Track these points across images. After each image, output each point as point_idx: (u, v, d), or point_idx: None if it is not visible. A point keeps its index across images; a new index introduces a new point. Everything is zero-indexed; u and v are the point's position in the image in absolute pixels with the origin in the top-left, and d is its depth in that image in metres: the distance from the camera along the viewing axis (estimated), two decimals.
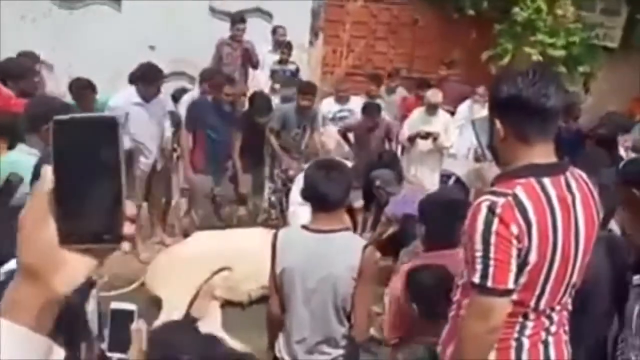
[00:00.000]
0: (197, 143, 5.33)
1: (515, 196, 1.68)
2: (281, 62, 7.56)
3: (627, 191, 2.83)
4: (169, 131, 5.48)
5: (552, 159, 1.78)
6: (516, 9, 7.67)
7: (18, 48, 6.66)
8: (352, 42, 8.96)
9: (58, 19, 7.45)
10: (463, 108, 6.71)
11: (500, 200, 1.67)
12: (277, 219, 5.75)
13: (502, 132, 1.75)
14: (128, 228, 0.75)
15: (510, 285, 1.69)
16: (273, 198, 5.86)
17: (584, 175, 1.84)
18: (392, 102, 7.37)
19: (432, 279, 2.28)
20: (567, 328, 1.89)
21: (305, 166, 5.54)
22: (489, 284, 1.68)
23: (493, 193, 1.72)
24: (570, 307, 1.92)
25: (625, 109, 8.14)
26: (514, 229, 1.66)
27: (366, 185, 5.03)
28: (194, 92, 6.30)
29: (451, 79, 7.81)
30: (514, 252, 1.67)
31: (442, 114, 6.38)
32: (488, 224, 1.66)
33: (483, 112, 6.25)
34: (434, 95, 6.32)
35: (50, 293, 0.73)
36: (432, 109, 6.26)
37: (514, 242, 1.66)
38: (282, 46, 7.56)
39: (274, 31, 7.77)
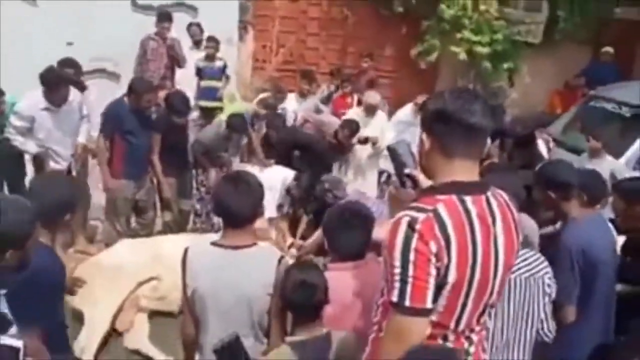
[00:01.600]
0: (116, 148, 5.08)
1: (435, 212, 1.65)
2: (207, 57, 7.38)
3: (544, 193, 2.93)
4: (83, 136, 5.21)
5: (475, 177, 1.77)
6: (443, 6, 7.79)
7: None
8: (282, 38, 8.87)
9: None
10: (405, 112, 6.70)
11: (421, 216, 1.65)
12: (204, 225, 5.63)
13: (427, 145, 1.76)
14: None
15: (428, 305, 1.66)
16: (198, 206, 5.72)
17: (505, 196, 1.84)
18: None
19: (301, 291, 2.22)
20: (485, 346, 1.89)
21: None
22: (407, 302, 1.64)
23: (414, 209, 1.69)
24: (488, 325, 1.92)
25: (547, 103, 8.48)
26: (433, 247, 1.63)
27: (312, 190, 4.99)
28: None
29: (371, 70, 7.90)
30: (433, 271, 1.64)
31: (379, 115, 6.35)
32: (407, 241, 1.63)
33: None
34: (372, 97, 6.28)
35: None
36: (370, 110, 6.23)
37: (433, 259, 1.63)
38: (209, 41, 7.37)
39: (189, 28, 7.58)
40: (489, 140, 1.80)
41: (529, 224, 2.69)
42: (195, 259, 2.36)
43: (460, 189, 1.71)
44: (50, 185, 2.59)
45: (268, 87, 7.49)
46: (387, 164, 6.15)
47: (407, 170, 2.00)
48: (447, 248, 1.64)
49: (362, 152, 6.24)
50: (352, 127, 5.96)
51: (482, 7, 7.74)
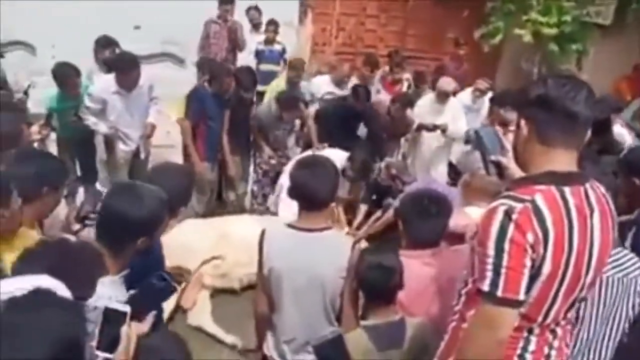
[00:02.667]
0: (198, 132, 5.23)
1: (534, 203, 1.61)
2: (267, 41, 7.39)
3: (628, 180, 2.82)
4: (152, 117, 5.35)
5: (574, 168, 1.71)
6: None
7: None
8: (342, 20, 8.82)
9: None
10: (465, 96, 6.52)
11: (518, 206, 1.60)
12: (260, 207, 5.68)
13: (525, 132, 1.71)
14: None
15: (521, 297, 1.62)
16: (255, 188, 5.76)
17: (603, 189, 1.78)
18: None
19: (379, 273, 2.22)
20: (568, 341, 1.85)
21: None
22: (499, 293, 1.61)
23: (510, 198, 1.64)
24: (574, 320, 1.89)
25: (613, 88, 8.12)
26: (530, 238, 1.59)
27: (366, 169, 4.95)
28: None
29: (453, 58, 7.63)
30: (528, 262, 1.60)
31: (451, 102, 6.05)
32: (503, 230, 1.59)
33: (484, 102, 6.21)
34: (447, 83, 5.98)
35: None
36: (443, 97, 5.93)
37: (529, 251, 1.59)
38: (269, 24, 7.38)
39: (248, 12, 7.56)
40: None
41: None
42: (272, 240, 2.41)
43: (559, 179, 1.65)
44: (171, 175, 2.57)
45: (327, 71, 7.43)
46: (454, 154, 6.02)
47: (493, 157, 1.95)
48: (544, 240, 1.60)
49: (431, 140, 6.00)
50: (404, 100, 5.78)
51: None
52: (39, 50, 7.23)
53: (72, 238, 2.00)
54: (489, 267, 1.61)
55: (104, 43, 5.63)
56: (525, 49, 7.87)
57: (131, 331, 1.47)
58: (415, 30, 8.73)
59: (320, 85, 6.40)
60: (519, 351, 1.75)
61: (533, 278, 1.63)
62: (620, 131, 5.25)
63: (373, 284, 2.23)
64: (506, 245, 1.59)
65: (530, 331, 1.74)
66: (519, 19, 7.58)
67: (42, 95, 5.35)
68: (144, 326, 1.73)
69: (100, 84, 5.11)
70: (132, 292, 1.89)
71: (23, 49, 7.45)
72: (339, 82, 6.34)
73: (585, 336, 2.44)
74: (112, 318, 1.46)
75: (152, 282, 1.97)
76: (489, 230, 1.62)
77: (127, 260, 1.99)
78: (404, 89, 6.87)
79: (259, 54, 7.42)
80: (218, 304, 4.48)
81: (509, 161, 1.91)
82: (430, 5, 8.61)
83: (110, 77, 5.02)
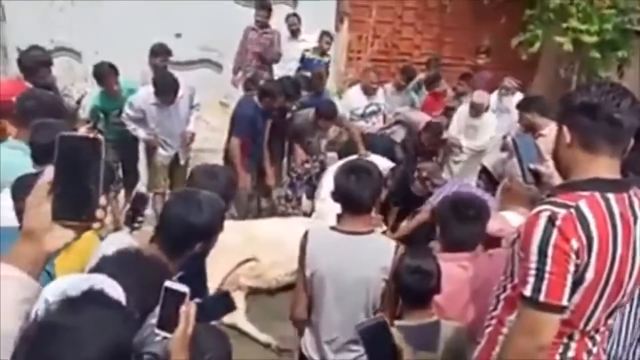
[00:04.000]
0: (244, 147, 5.31)
1: (578, 209, 1.60)
2: (318, 51, 7.31)
3: None
4: (192, 125, 5.48)
5: (617, 175, 1.71)
6: None
7: (46, 36, 6.78)
8: (378, 28, 8.84)
9: (86, 5, 7.49)
10: (492, 99, 6.49)
11: (562, 212, 1.60)
12: (295, 210, 5.73)
13: (568, 138, 1.70)
14: (100, 213, 1.12)
15: (564, 302, 1.61)
16: (289, 192, 5.81)
17: None
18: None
19: (417, 277, 2.23)
20: (605, 347, 1.84)
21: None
22: (542, 298, 1.60)
23: (554, 203, 1.64)
24: (612, 327, 1.86)
25: None
26: (574, 244, 1.58)
27: (399, 185, 4.98)
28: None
29: (486, 67, 7.59)
30: (572, 268, 1.59)
31: (487, 118, 6.00)
32: (547, 235, 1.59)
33: (512, 102, 6.20)
34: (480, 96, 5.95)
35: (41, 249, 1.11)
36: (475, 110, 5.92)
37: (573, 257, 1.59)
38: (324, 35, 7.34)
39: (287, 19, 7.57)
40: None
41: None
42: (316, 242, 2.45)
43: (603, 186, 1.65)
44: (213, 178, 2.65)
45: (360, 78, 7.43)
46: (488, 160, 6.00)
47: (531, 165, 1.94)
48: (588, 246, 1.59)
49: (461, 154, 6.03)
50: (435, 129, 5.76)
51: None
52: (84, 56, 7.45)
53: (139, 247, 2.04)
54: (532, 272, 1.61)
55: (157, 51, 5.82)
56: (564, 57, 7.77)
57: (190, 312, 1.49)
58: (452, 38, 8.69)
59: (353, 97, 6.43)
60: (557, 357, 1.74)
61: (576, 284, 1.62)
62: None
63: (410, 288, 2.24)
64: (549, 251, 1.58)
65: (570, 337, 1.73)
66: (558, 27, 7.49)
67: (86, 100, 5.55)
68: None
69: (141, 95, 5.26)
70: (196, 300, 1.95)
71: (68, 55, 7.69)
72: (368, 90, 6.35)
73: (623, 340, 2.41)
74: (171, 298, 1.48)
75: (213, 297, 2.01)
76: (532, 235, 1.61)
77: (182, 264, 2.07)
78: (448, 102, 6.82)
79: (305, 62, 7.33)
80: (253, 303, 4.54)
81: (547, 169, 1.90)
82: (468, 13, 8.56)
83: (151, 89, 5.16)
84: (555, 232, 1.58)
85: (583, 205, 1.61)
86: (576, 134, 1.69)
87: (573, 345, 1.74)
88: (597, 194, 1.63)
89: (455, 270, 2.40)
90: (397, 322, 2.26)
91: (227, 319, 4.34)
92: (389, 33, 8.91)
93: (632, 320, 2.42)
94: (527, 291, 1.62)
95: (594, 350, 1.77)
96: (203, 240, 2.08)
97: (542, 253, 1.59)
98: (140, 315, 1.50)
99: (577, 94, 1.72)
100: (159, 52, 5.80)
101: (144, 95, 5.23)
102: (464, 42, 8.18)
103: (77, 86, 6.65)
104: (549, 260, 1.59)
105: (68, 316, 1.11)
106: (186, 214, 2.03)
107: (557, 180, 1.87)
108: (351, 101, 6.39)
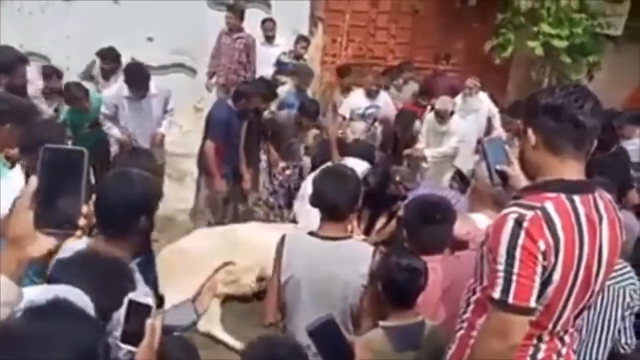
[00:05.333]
0: (219, 151, 5.24)
1: (544, 210, 1.61)
2: (294, 55, 7.34)
3: None
4: (164, 128, 5.43)
5: (582, 176, 1.72)
6: None
7: (15, 41, 6.62)
8: (352, 32, 8.87)
9: (55, 10, 7.36)
10: (457, 102, 6.57)
11: (529, 214, 1.61)
12: (277, 218, 5.69)
13: (533, 140, 1.71)
14: (82, 221, 1.18)
15: (532, 304, 1.63)
16: (272, 199, 5.78)
17: (610, 197, 1.79)
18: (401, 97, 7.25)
19: (406, 275, 2.22)
20: (574, 348, 1.85)
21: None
22: (510, 300, 1.61)
23: (521, 205, 1.65)
24: (580, 328, 1.88)
25: (626, 98, 8.09)
26: (542, 245, 1.59)
27: (380, 184, 4.98)
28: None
29: (448, 73, 7.73)
30: (539, 269, 1.60)
31: (453, 122, 6.06)
32: (514, 238, 1.60)
33: (476, 103, 6.30)
34: (442, 102, 6.01)
35: (24, 255, 1.17)
36: (440, 117, 5.98)
37: (540, 258, 1.60)
38: (300, 40, 7.40)
39: (263, 23, 7.58)
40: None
41: (630, 226, 2.57)
42: (293, 248, 2.43)
43: (568, 187, 1.66)
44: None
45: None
46: (460, 162, 6.04)
47: (498, 167, 1.96)
48: (555, 247, 1.60)
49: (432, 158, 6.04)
50: (406, 118, 5.90)
51: (563, 2, 7.44)
52: (54, 61, 7.30)
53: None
54: (500, 274, 1.62)
55: (101, 55, 6.02)
56: (536, 61, 7.88)
57: (156, 325, 1.46)
58: (425, 42, 8.75)
59: (355, 98, 6.53)
60: (528, 359, 1.75)
61: (544, 285, 1.63)
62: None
63: (400, 286, 2.22)
64: (517, 253, 1.59)
65: (539, 339, 1.74)
66: (530, 31, 7.59)
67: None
68: None
69: (113, 88, 5.28)
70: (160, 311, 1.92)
71: (38, 60, 7.53)
72: (370, 93, 6.46)
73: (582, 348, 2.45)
74: (136, 311, 1.46)
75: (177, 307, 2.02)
76: (499, 237, 1.62)
77: (136, 247, 2.10)
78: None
79: (280, 65, 7.35)
80: (227, 311, 4.49)
81: (513, 170, 1.92)
82: (440, 18, 8.64)
83: (123, 84, 5.15)
84: (522, 234, 1.59)
85: (549, 206, 1.62)
86: (541, 136, 1.70)
87: (543, 346, 1.75)
88: (563, 196, 1.65)
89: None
90: (382, 323, 2.24)
91: (202, 327, 4.30)
92: (363, 37, 8.94)
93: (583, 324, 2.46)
94: (496, 293, 1.63)
95: (563, 351, 1.79)
96: (146, 213, 2.09)
97: (510, 255, 1.60)
98: (100, 315, 1.48)
99: (541, 96, 1.72)
100: (104, 56, 5.97)
101: (116, 89, 5.23)
102: (436, 46, 8.23)
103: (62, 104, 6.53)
104: (516, 263, 1.60)
105: (32, 324, 1.11)
106: (123, 189, 2.05)
107: (523, 182, 1.88)
108: (354, 102, 6.51)
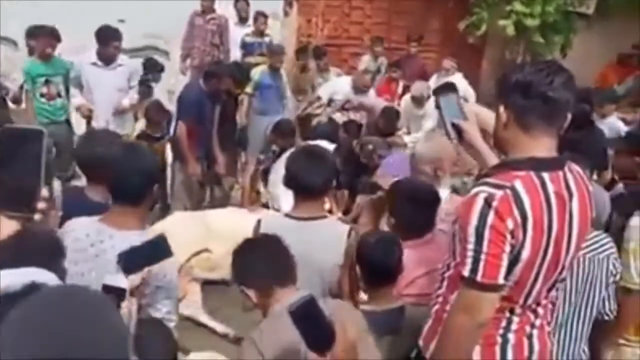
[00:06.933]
0: (191, 133, 5.14)
1: (513, 189, 1.63)
2: (257, 33, 7.32)
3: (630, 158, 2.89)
4: (127, 100, 5.39)
5: (553, 152, 1.73)
6: None
7: None
8: (327, 12, 8.81)
9: None
10: (431, 83, 6.60)
11: (498, 193, 1.62)
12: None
13: (504, 117, 1.71)
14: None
15: (500, 281, 1.66)
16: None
17: (581, 171, 1.81)
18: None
19: (381, 249, 2.24)
20: (549, 319, 1.89)
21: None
22: (479, 278, 1.64)
23: (490, 184, 1.67)
24: (556, 300, 1.92)
25: (597, 75, 8.20)
26: (510, 224, 1.61)
27: (348, 160, 4.97)
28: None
29: (424, 53, 7.76)
30: (507, 248, 1.63)
31: (429, 105, 5.97)
32: (483, 217, 1.62)
33: (457, 80, 6.30)
34: (417, 89, 6.03)
35: None
36: (417, 102, 6.01)
37: (508, 237, 1.62)
38: (258, 16, 7.31)
39: (236, 4, 7.52)
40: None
41: (601, 200, 2.62)
42: (268, 230, 2.39)
43: (538, 165, 1.67)
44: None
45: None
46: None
47: (455, 120, 1.94)
48: (523, 226, 1.62)
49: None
50: (390, 114, 5.67)
51: None
52: (22, 45, 7.13)
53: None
54: (470, 253, 1.65)
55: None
56: (510, 40, 7.92)
57: (132, 308, 1.46)
58: (401, 22, 8.74)
59: (340, 87, 6.31)
60: (501, 331, 1.79)
61: (513, 262, 1.66)
62: (616, 122, 5.37)
63: (377, 263, 2.22)
64: (486, 232, 1.62)
65: (512, 312, 1.78)
66: (503, 10, 7.63)
67: None
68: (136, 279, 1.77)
69: (82, 56, 5.31)
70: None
71: (6, 44, 7.36)
72: (358, 89, 6.18)
73: (560, 314, 2.51)
74: (110, 295, 1.45)
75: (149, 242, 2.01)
76: (469, 217, 1.64)
77: (147, 214, 2.20)
78: (399, 90, 6.92)
79: (246, 46, 7.31)
80: (209, 294, 4.49)
81: (469, 126, 1.92)
82: None
83: (93, 51, 5.20)
84: (491, 214, 1.61)
85: (518, 185, 1.64)
86: (512, 114, 1.70)
87: (515, 319, 1.79)
88: (532, 173, 1.66)
89: (415, 256, 2.39)
90: (362, 307, 2.24)
91: (184, 310, 4.29)
92: (338, 17, 8.89)
93: (567, 296, 2.53)
94: (466, 271, 1.66)
95: (537, 322, 1.83)
96: (156, 183, 2.19)
97: (479, 235, 1.63)
98: None
99: (511, 74, 1.72)
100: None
101: (85, 55, 5.27)
102: (412, 25, 8.23)
103: (15, 76, 6.38)
104: (485, 242, 1.62)
105: (10, 311, 1.06)
106: (136, 161, 2.11)
107: (479, 140, 1.91)
108: (337, 89, 6.30)
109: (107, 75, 5.22)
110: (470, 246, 1.64)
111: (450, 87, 2.03)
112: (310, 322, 1.55)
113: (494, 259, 1.63)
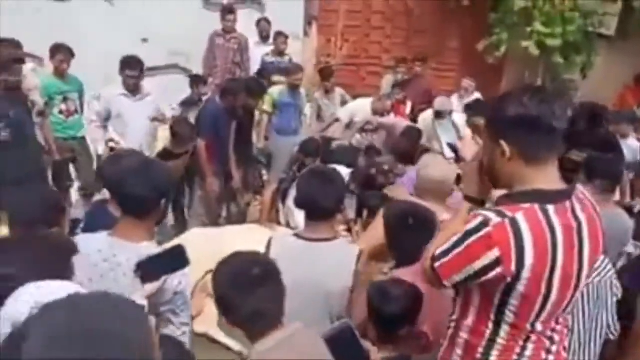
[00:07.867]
0: (209, 149, 5.22)
1: (513, 220, 1.61)
2: (277, 53, 7.40)
3: None
4: (152, 131, 5.47)
5: (558, 183, 1.71)
6: None
7: None
8: (347, 32, 8.90)
9: (50, 12, 7.36)
10: (454, 101, 6.59)
11: (497, 220, 1.62)
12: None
13: (508, 152, 1.67)
14: None
15: (446, 283, 1.73)
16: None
17: (587, 194, 1.78)
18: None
19: (392, 300, 2.20)
20: (565, 345, 1.85)
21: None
22: (436, 265, 1.72)
23: (492, 211, 1.67)
24: (569, 323, 1.90)
25: (617, 97, 8.13)
26: (496, 251, 1.60)
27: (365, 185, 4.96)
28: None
29: (425, 74, 7.74)
30: (477, 267, 1.63)
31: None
32: (475, 230, 1.63)
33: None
34: (441, 104, 5.90)
35: None
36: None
37: (487, 262, 1.61)
38: (278, 36, 7.41)
39: (258, 24, 7.64)
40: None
41: (622, 228, 2.58)
42: (278, 250, 2.42)
43: (543, 198, 1.66)
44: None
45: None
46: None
47: (450, 141, 1.96)
48: (517, 258, 1.60)
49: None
50: (413, 135, 5.75)
51: (556, 0, 7.48)
52: (48, 62, 7.31)
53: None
54: (449, 243, 1.70)
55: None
56: (530, 60, 7.91)
57: (152, 324, 1.48)
58: (420, 41, 8.78)
59: (360, 109, 6.33)
60: (515, 357, 1.76)
61: (506, 294, 1.66)
62: (635, 143, 5.34)
63: (387, 322, 2.20)
64: (470, 241, 1.63)
65: (526, 339, 1.75)
66: (523, 30, 7.62)
67: None
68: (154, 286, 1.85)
69: (110, 88, 5.35)
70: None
71: (32, 61, 7.53)
72: (377, 112, 6.22)
73: (576, 341, 2.50)
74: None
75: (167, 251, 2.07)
76: (465, 226, 1.68)
77: (153, 226, 2.24)
78: (407, 110, 6.93)
79: (266, 66, 7.39)
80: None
81: (463, 147, 1.93)
82: (434, 17, 8.67)
83: (118, 84, 5.25)
84: (482, 232, 1.62)
85: (519, 216, 1.62)
86: (516, 148, 1.67)
87: (530, 346, 1.76)
88: (537, 206, 1.64)
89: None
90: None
91: (199, 328, 4.31)
92: (357, 37, 8.97)
93: (581, 323, 2.51)
94: (437, 251, 1.73)
95: (553, 349, 1.80)
96: (165, 197, 2.26)
97: (463, 239, 1.66)
98: None
99: (509, 106, 1.67)
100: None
101: (111, 89, 5.31)
102: (431, 45, 8.26)
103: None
104: (463, 247, 1.65)
105: None
106: (148, 173, 2.15)
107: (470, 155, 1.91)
108: (357, 112, 6.32)
109: (138, 106, 5.28)
110: (453, 240, 1.69)
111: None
112: (346, 349, 1.54)
113: (458, 264, 1.67)
